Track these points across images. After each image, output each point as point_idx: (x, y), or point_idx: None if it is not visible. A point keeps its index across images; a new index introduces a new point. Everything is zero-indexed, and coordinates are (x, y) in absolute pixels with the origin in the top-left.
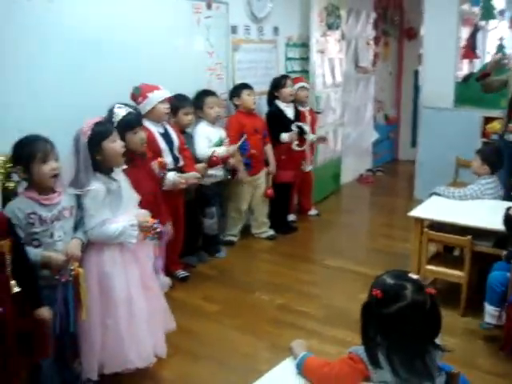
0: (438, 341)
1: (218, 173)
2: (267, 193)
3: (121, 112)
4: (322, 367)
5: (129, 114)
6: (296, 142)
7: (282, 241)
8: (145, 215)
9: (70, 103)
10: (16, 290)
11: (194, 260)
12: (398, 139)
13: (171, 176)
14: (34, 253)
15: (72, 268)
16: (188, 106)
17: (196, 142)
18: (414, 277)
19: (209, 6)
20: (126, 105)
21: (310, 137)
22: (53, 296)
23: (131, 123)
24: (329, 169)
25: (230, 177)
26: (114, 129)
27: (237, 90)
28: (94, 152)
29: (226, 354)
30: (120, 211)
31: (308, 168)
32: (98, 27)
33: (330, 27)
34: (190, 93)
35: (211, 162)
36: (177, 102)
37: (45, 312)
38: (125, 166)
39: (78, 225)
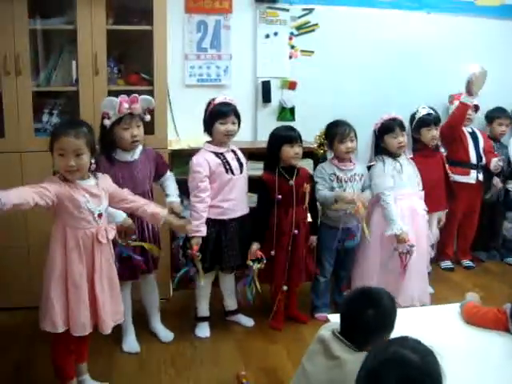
0: None
1: None
2: None
3: (423, 111)
4: (473, 308)
5: (428, 114)
6: None
7: None
8: None
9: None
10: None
11: (483, 255)
12: None
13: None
14: (329, 193)
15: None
16: (503, 117)
17: (509, 151)
18: None
19: None
20: (431, 108)
21: None
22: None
23: (427, 121)
24: None
25: None
26: (398, 127)
27: None
28: (380, 140)
29: None
30: (401, 186)
31: None
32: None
33: None
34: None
35: None
36: (493, 113)
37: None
38: (410, 155)
39: (365, 187)
